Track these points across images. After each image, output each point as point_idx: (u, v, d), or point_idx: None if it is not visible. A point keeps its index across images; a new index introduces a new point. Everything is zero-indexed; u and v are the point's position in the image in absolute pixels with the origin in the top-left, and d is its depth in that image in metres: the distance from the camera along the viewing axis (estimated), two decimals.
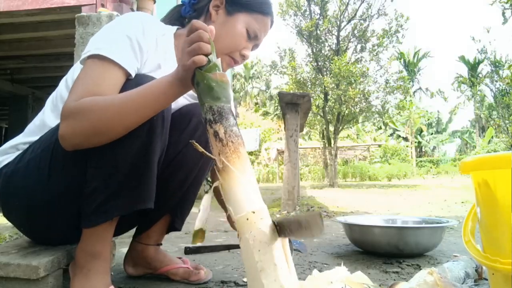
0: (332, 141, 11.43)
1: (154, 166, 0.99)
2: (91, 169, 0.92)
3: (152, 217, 1.18)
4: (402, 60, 29.62)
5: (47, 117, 1.03)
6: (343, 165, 17.30)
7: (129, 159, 0.91)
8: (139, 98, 0.82)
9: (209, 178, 0.87)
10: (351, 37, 11.23)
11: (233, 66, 1.11)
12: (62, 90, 1.05)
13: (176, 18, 1.18)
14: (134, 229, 1.27)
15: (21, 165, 0.98)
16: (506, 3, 8.53)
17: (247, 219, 0.71)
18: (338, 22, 11.01)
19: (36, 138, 1.01)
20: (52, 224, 1.03)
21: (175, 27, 1.11)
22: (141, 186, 0.97)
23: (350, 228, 1.71)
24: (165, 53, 1.05)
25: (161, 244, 1.26)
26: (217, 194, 0.91)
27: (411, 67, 30.03)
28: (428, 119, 29.45)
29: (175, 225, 1.22)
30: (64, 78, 1.08)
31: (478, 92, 11.53)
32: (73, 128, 0.82)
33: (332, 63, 10.43)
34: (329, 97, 10.96)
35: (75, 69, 1.05)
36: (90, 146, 0.86)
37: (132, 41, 0.94)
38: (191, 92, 1.10)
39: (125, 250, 1.28)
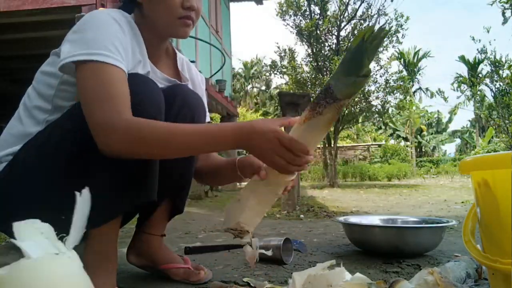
0: (332, 141, 11.42)
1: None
2: (94, 170, 0.92)
3: (152, 203, 1.18)
4: (402, 60, 29.59)
5: (27, 126, 1.01)
6: (343, 165, 17.26)
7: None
8: (199, 141, 0.87)
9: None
10: (351, 37, 11.21)
11: (190, 25, 1.04)
12: (32, 97, 1.03)
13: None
14: (134, 229, 1.27)
15: (13, 176, 0.96)
16: (506, 3, 8.53)
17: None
18: (338, 22, 11.00)
19: (17, 147, 0.99)
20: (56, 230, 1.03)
21: (129, 16, 1.06)
22: (144, 180, 0.98)
23: (350, 228, 1.71)
24: (139, 45, 1.04)
25: (164, 235, 1.26)
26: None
27: (411, 67, 30.00)
28: (428, 119, 29.42)
29: (177, 206, 1.22)
30: (32, 86, 1.06)
31: (478, 92, 11.52)
32: (122, 145, 0.85)
33: (332, 63, 10.42)
34: None
35: (44, 75, 1.04)
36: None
37: (119, 40, 0.93)
38: (166, 77, 1.14)
39: (125, 250, 1.28)
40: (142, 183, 0.98)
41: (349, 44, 11.26)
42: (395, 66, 30.34)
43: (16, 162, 0.97)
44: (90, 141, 0.89)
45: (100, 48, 0.88)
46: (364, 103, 10.80)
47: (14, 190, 0.96)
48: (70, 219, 1.00)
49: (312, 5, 11.15)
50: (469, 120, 32.53)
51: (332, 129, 11.59)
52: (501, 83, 10.03)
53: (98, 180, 0.92)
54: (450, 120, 31.01)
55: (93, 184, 0.93)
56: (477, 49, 10.77)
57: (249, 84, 32.57)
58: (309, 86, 11.04)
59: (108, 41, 0.90)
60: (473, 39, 10.63)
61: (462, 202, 4.76)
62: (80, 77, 0.89)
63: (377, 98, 11.13)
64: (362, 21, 11.00)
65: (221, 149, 0.89)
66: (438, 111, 31.17)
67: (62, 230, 1.03)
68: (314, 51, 11.18)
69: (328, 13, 11.15)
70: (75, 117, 0.93)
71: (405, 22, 10.77)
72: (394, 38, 10.92)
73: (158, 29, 1.06)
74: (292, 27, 11.28)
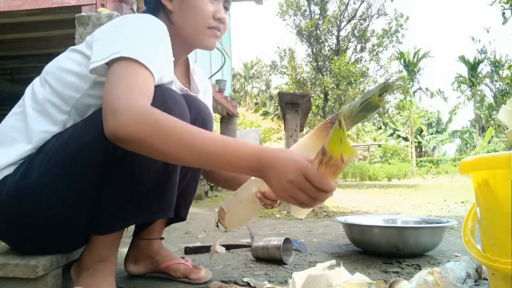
0: None
1: (176, 176, 1.00)
2: (113, 181, 0.91)
3: None
4: (402, 60, 29.59)
5: (39, 124, 0.95)
6: None
7: (152, 171, 0.91)
8: (216, 149, 0.77)
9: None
10: (351, 37, 11.23)
11: (218, 36, 1.06)
12: (46, 93, 0.97)
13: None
14: (134, 228, 1.26)
15: (29, 182, 0.90)
16: (506, 3, 8.54)
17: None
18: (338, 22, 11.02)
19: (24, 147, 0.94)
20: (64, 236, 0.99)
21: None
22: (162, 197, 0.97)
23: (350, 228, 1.71)
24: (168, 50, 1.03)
25: (163, 238, 1.26)
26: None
27: (411, 67, 29.99)
28: (428, 119, 29.42)
29: (180, 214, 1.22)
30: (43, 80, 0.99)
31: (478, 92, 11.53)
32: (129, 129, 0.75)
33: (332, 63, 10.44)
34: (329, 97, 10.97)
35: (60, 68, 0.98)
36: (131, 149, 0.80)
37: (166, 47, 0.94)
38: (180, 85, 1.14)
39: (125, 250, 1.28)
40: (160, 200, 0.97)
41: (349, 44, 11.28)
42: (395, 66, 30.32)
43: (32, 167, 0.92)
44: (110, 151, 0.86)
45: (138, 49, 0.85)
46: None
47: (31, 198, 0.91)
48: (80, 225, 0.98)
49: (312, 5, 11.16)
50: (469, 120, 32.55)
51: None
52: (501, 83, 10.05)
53: (116, 191, 0.91)
54: (450, 120, 31.01)
55: (109, 195, 0.92)
56: (477, 49, 10.78)
57: (249, 84, 32.59)
58: (309, 86, 11.06)
59: (147, 44, 0.88)
60: (473, 39, 10.65)
61: (462, 202, 4.76)
62: (110, 71, 0.84)
63: None
64: (362, 21, 11.02)
65: (235, 168, 0.77)
66: (438, 111, 31.19)
67: (71, 236, 1.01)
68: (314, 51, 11.19)
69: (328, 13, 11.17)
70: (96, 126, 0.87)
71: (405, 22, 10.79)
72: (394, 38, 10.95)
73: (186, 38, 1.04)
74: (292, 27, 11.30)
